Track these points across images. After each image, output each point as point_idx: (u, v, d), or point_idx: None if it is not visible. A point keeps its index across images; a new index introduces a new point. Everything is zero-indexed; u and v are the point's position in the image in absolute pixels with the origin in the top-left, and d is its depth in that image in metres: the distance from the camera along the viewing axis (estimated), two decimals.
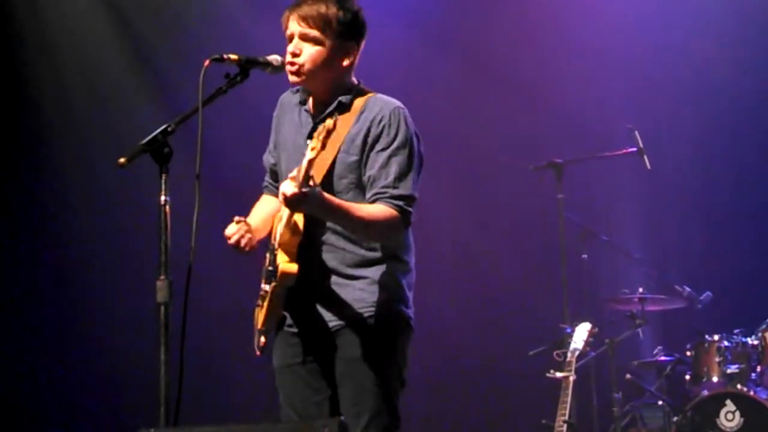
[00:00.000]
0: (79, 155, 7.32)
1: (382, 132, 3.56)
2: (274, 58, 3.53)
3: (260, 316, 3.65)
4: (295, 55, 3.57)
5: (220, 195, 6.56)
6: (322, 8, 3.56)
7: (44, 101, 7.30)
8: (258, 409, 6.54)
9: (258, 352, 3.67)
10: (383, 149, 3.54)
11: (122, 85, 7.41)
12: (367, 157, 3.56)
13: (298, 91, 3.75)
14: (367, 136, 3.56)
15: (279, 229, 3.58)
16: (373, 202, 3.52)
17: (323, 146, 3.27)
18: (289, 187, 3.27)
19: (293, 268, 3.50)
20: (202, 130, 3.21)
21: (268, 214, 3.78)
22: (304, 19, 3.56)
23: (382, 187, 3.51)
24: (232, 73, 3.39)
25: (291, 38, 3.61)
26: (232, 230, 3.59)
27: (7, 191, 7.14)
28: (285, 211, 3.52)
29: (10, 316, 7.04)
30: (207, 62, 3.31)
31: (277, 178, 3.82)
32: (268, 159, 3.90)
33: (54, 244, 7.23)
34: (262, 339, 3.64)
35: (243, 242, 3.57)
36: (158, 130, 3.13)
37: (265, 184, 3.94)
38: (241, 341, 6.53)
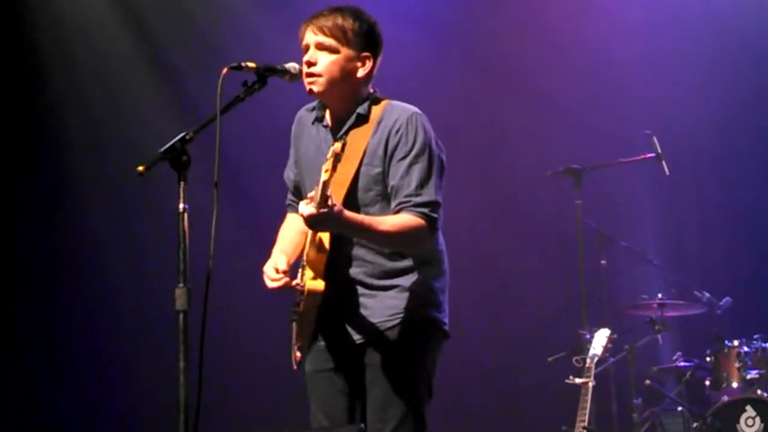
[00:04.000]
0: (98, 161, 7.34)
1: (400, 140, 3.54)
2: (292, 65, 3.52)
3: (294, 331, 3.64)
4: (310, 64, 3.57)
5: (240, 201, 6.59)
6: (339, 19, 3.58)
7: (62, 108, 7.32)
8: (281, 416, 6.53)
9: (294, 367, 3.66)
10: (403, 158, 3.53)
11: (141, 91, 7.44)
12: (389, 167, 3.55)
13: (314, 108, 3.76)
14: (386, 146, 3.56)
15: (307, 246, 3.57)
16: (398, 211, 3.51)
17: (334, 168, 3.21)
18: (306, 208, 3.24)
19: (319, 285, 3.48)
20: (219, 137, 3.21)
21: (297, 235, 3.76)
22: (321, 29, 3.58)
23: (406, 196, 3.49)
24: (250, 80, 3.39)
25: (306, 48, 3.62)
26: (275, 279, 3.53)
27: (26, 197, 7.17)
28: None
29: (28, 322, 7.06)
30: (225, 70, 3.30)
31: (301, 196, 3.79)
32: (289, 175, 3.89)
33: (72, 251, 7.25)
34: (298, 354, 3.63)
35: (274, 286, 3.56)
36: (176, 138, 3.14)
37: (288, 202, 3.92)
38: (262, 347, 6.61)
